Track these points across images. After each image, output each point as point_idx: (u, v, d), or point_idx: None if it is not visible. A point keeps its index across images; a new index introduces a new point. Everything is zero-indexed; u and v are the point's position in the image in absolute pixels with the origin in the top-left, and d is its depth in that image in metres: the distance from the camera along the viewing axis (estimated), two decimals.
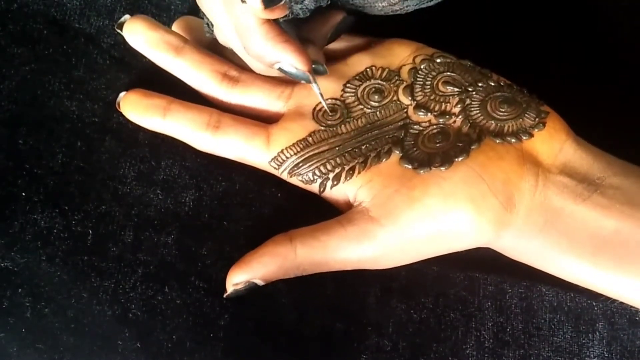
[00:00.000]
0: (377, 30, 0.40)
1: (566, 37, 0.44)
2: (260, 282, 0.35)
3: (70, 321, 0.36)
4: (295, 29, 0.37)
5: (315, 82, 0.36)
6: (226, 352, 0.36)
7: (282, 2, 0.32)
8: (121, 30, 0.40)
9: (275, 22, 0.34)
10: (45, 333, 0.36)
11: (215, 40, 0.40)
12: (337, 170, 0.36)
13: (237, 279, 0.35)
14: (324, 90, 0.38)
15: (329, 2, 0.36)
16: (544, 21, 0.44)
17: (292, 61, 0.34)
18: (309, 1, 0.34)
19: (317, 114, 0.38)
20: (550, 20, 0.44)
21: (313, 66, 0.36)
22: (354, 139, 0.37)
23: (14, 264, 0.36)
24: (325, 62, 0.38)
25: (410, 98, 0.37)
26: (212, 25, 0.38)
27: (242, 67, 0.40)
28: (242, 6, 0.33)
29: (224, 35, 0.37)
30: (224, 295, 0.35)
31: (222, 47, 0.41)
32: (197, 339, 0.36)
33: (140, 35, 0.39)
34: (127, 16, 0.40)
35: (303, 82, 0.36)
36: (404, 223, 0.34)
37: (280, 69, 0.35)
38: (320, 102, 0.38)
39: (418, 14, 0.38)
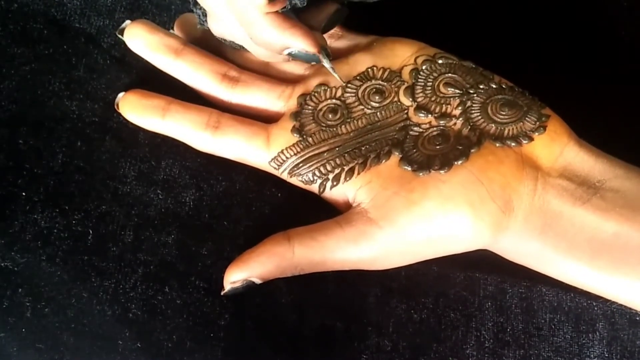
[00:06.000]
0: (379, 29, 0.40)
1: (567, 37, 0.44)
2: (257, 281, 0.35)
3: (71, 321, 0.36)
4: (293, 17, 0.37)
5: (328, 60, 0.36)
6: (226, 352, 0.36)
7: None
8: (122, 35, 0.40)
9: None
10: (45, 333, 0.36)
11: (216, 40, 0.40)
12: (336, 171, 0.36)
13: (234, 277, 0.35)
14: (324, 89, 0.38)
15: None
16: (546, 22, 0.44)
17: (301, 44, 0.35)
18: None
19: (317, 115, 0.38)
20: (552, 20, 0.44)
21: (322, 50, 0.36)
22: (354, 139, 0.37)
23: (14, 264, 0.36)
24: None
25: (411, 99, 0.37)
26: (205, 16, 0.38)
27: (242, 67, 0.40)
28: (245, 1, 0.33)
29: (223, 27, 0.37)
30: (222, 293, 0.35)
31: (222, 47, 0.41)
32: (197, 339, 0.36)
33: (140, 39, 0.40)
34: (127, 22, 0.40)
35: (313, 63, 0.36)
36: (402, 225, 0.34)
37: (289, 54, 0.36)
38: (320, 103, 0.38)
39: (420, 13, 0.38)
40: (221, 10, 0.36)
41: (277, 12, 0.34)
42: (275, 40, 0.35)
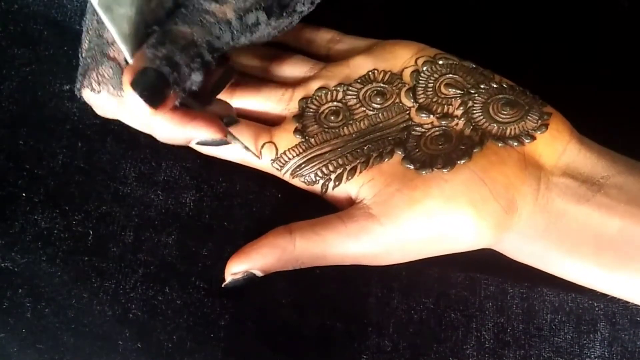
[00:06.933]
0: (378, 30, 0.40)
1: (567, 38, 0.44)
2: (258, 273, 0.35)
3: (71, 321, 0.36)
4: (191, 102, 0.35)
5: (238, 140, 0.35)
6: (226, 352, 0.36)
7: (171, 92, 0.31)
8: None
9: None
10: (46, 333, 0.36)
11: None
12: (339, 171, 0.36)
13: (235, 268, 0.35)
14: (325, 92, 0.38)
15: (216, 64, 0.34)
16: (546, 23, 0.44)
17: (207, 134, 0.34)
18: (197, 75, 0.33)
19: (319, 117, 0.38)
20: (552, 21, 0.44)
21: (226, 121, 0.35)
22: (356, 140, 0.37)
23: (14, 264, 0.36)
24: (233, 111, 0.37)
25: (412, 100, 0.37)
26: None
27: (241, 71, 0.40)
28: (136, 109, 0.32)
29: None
30: (222, 285, 0.35)
31: None
32: (197, 339, 0.36)
33: None
34: None
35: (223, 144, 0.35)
36: (404, 223, 0.34)
37: (198, 143, 0.34)
38: (322, 105, 0.38)
39: (420, 15, 0.38)
40: (121, 114, 0.35)
41: (173, 107, 0.33)
42: (178, 136, 0.34)
